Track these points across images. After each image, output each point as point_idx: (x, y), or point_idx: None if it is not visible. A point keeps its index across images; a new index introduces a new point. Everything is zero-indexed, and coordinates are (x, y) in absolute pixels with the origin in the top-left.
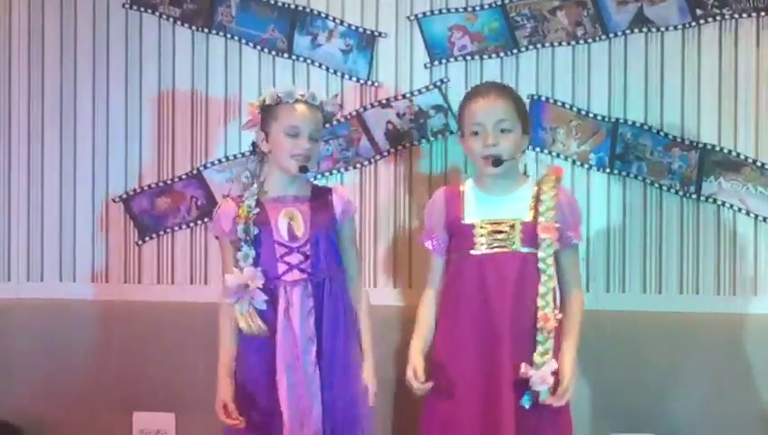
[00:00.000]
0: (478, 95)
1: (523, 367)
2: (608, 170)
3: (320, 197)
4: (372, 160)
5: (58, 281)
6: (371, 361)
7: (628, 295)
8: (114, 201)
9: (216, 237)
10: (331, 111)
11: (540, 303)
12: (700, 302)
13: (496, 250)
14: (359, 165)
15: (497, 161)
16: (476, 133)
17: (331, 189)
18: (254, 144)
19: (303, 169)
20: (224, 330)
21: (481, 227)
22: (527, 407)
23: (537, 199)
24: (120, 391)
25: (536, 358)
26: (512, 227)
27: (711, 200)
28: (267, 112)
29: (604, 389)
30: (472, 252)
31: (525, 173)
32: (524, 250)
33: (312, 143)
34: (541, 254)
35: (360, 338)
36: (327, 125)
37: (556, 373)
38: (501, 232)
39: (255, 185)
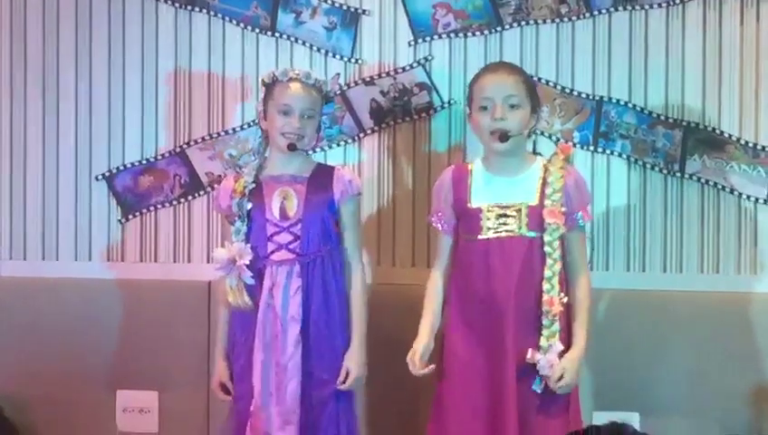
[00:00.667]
0: (489, 71)
1: (530, 353)
2: (591, 148)
3: (320, 177)
4: (356, 138)
5: (41, 259)
6: (358, 345)
7: (611, 274)
8: (97, 179)
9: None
10: (330, 91)
11: (545, 286)
12: (684, 280)
13: (503, 235)
14: (343, 143)
15: (504, 136)
16: (485, 108)
17: (333, 169)
18: (258, 123)
19: (292, 147)
20: (221, 307)
21: (488, 211)
22: (539, 391)
23: (544, 181)
24: (103, 370)
25: (542, 342)
26: (518, 211)
27: (695, 178)
28: (266, 91)
29: (588, 367)
30: (479, 237)
31: (534, 152)
32: (531, 234)
33: (305, 121)
34: (547, 238)
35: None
36: (327, 104)
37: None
38: (508, 216)
39: (257, 161)
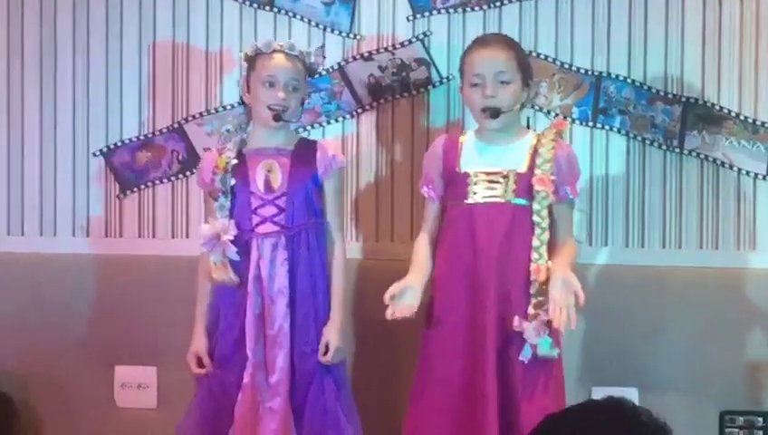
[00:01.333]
0: (479, 46)
1: (516, 320)
2: (590, 124)
3: (304, 150)
4: (354, 114)
5: (38, 235)
6: (338, 316)
7: (610, 249)
8: (95, 155)
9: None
10: (314, 63)
11: (533, 255)
12: (683, 256)
13: (489, 200)
14: (341, 118)
15: (495, 113)
16: (476, 85)
17: (316, 143)
18: (241, 97)
19: (277, 118)
20: (201, 281)
21: (475, 176)
22: (525, 361)
23: (535, 151)
24: (102, 345)
25: (530, 310)
26: (506, 177)
27: (694, 154)
28: (249, 64)
29: (586, 343)
30: (465, 201)
31: (528, 126)
32: (517, 201)
33: (290, 93)
34: (536, 206)
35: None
36: (311, 77)
37: (550, 324)
38: (495, 182)
39: (239, 136)
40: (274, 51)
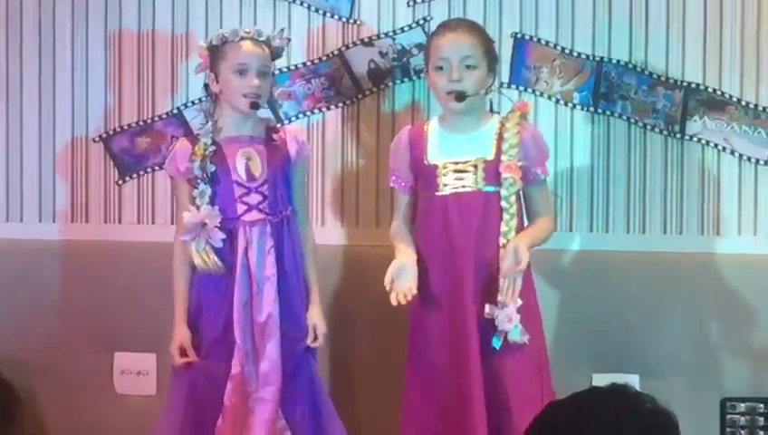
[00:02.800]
0: (445, 30)
1: (488, 308)
2: (591, 109)
3: (273, 137)
4: (354, 99)
5: (38, 221)
6: (318, 301)
7: (611, 235)
8: (94, 141)
9: (171, 178)
10: (279, 46)
11: (502, 241)
12: (684, 242)
13: (460, 190)
14: (341, 104)
15: (460, 96)
16: (441, 68)
17: (283, 130)
18: (206, 85)
19: (255, 106)
20: (178, 271)
21: (444, 168)
22: (497, 348)
23: (500, 137)
24: (101, 332)
25: (500, 297)
26: (475, 166)
27: (695, 140)
28: (215, 53)
29: (587, 329)
30: (437, 193)
31: (492, 111)
32: (488, 189)
33: (262, 79)
34: (503, 192)
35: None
36: (275, 59)
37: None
38: (464, 172)
39: (210, 124)
40: (242, 38)
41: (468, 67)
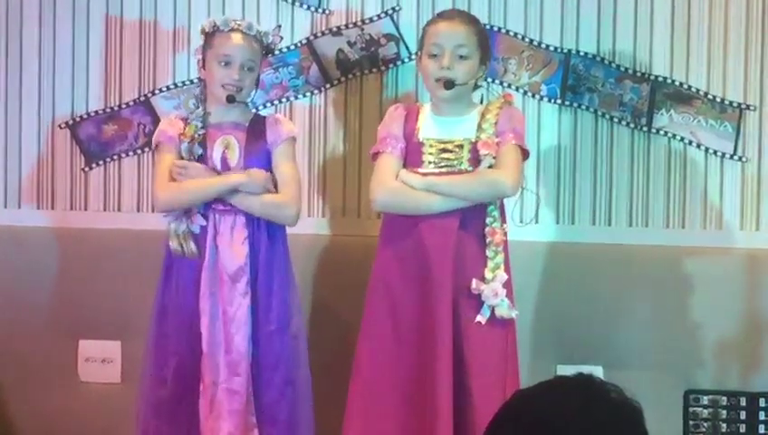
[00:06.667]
0: (443, 18)
1: (474, 283)
2: (559, 102)
3: (257, 126)
4: (322, 89)
5: (2, 207)
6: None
7: (577, 227)
8: (60, 127)
9: (157, 146)
10: (271, 43)
11: (487, 219)
12: (649, 235)
13: (443, 169)
14: (309, 93)
15: (449, 84)
16: (434, 55)
17: (266, 118)
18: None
19: (231, 99)
20: (180, 188)
21: (430, 146)
22: (483, 322)
23: (482, 118)
24: (65, 319)
25: (486, 273)
26: (460, 146)
27: (662, 133)
28: (205, 39)
29: (552, 321)
30: (419, 170)
31: (481, 102)
32: (471, 169)
33: (245, 73)
34: (482, 168)
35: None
36: (268, 56)
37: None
38: (449, 151)
39: (201, 108)
40: (232, 29)
41: (461, 57)
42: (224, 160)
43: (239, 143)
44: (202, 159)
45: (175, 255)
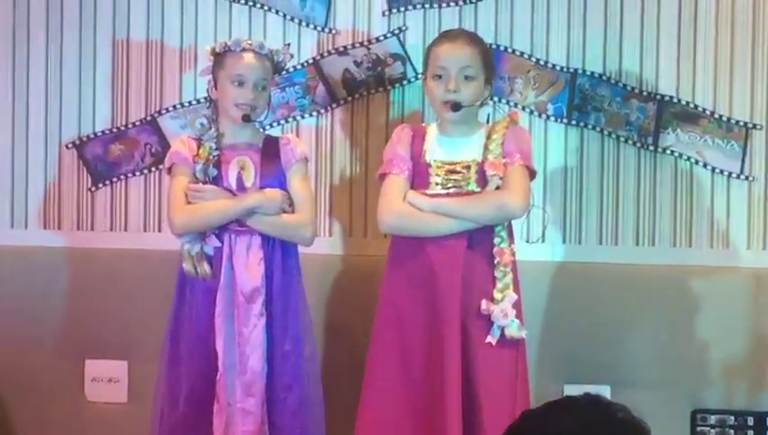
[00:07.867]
0: (447, 39)
1: (484, 303)
2: (565, 121)
3: (270, 147)
4: (329, 108)
5: (9, 228)
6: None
7: (584, 246)
8: (67, 147)
9: (170, 168)
10: (282, 61)
11: (495, 239)
12: (656, 254)
13: (451, 190)
14: (315, 113)
15: (456, 106)
16: (440, 77)
17: (278, 139)
18: (208, 91)
19: (246, 119)
20: (197, 209)
21: (437, 167)
22: (494, 343)
23: (489, 138)
24: (73, 339)
25: (496, 294)
26: (467, 167)
27: (668, 152)
28: (216, 60)
29: (559, 340)
30: (427, 192)
31: (488, 122)
32: (479, 190)
33: (258, 93)
34: (489, 189)
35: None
36: (278, 75)
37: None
38: (456, 172)
39: (213, 129)
40: (244, 49)
41: (467, 78)
42: (239, 181)
43: (254, 164)
44: (216, 180)
45: (188, 276)
